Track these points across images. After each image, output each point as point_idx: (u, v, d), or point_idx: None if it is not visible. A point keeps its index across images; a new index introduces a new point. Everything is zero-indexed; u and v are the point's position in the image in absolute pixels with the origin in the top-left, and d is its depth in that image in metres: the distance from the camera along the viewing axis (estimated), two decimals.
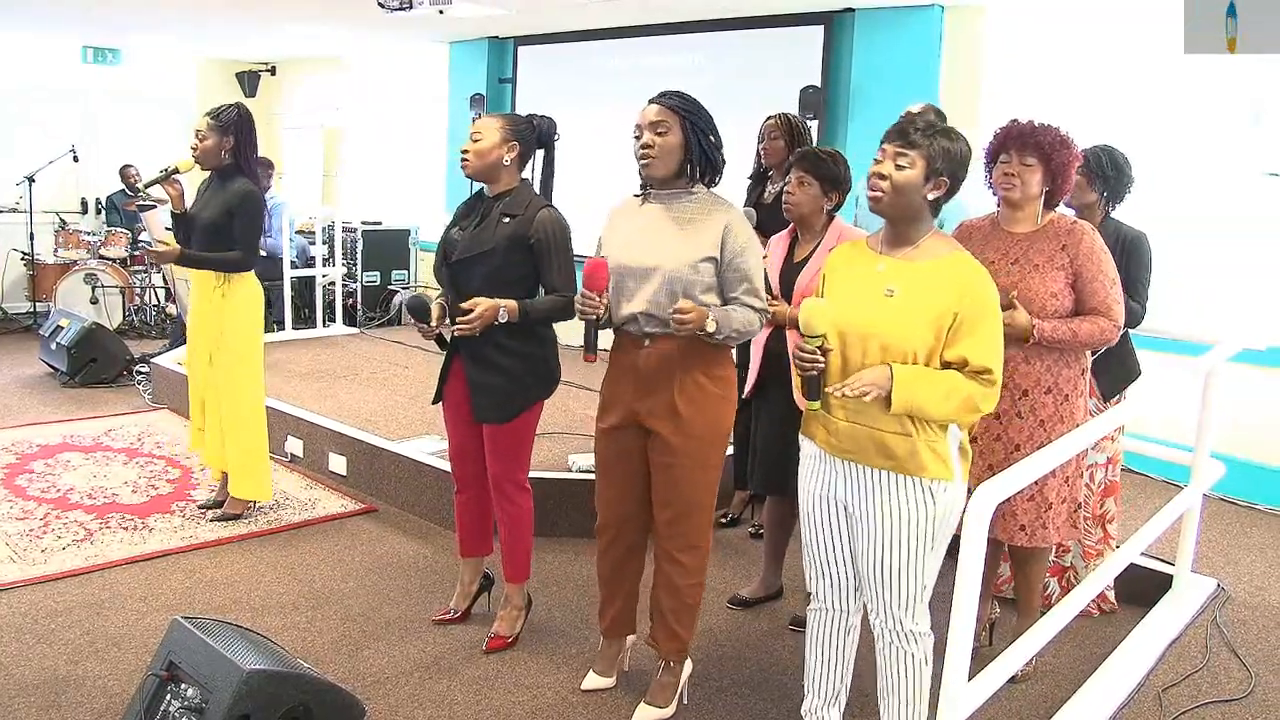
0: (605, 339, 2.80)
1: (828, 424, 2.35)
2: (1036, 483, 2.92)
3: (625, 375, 2.78)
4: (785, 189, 3.25)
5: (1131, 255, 3.32)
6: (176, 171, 4.02)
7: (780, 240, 3.39)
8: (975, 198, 3.02)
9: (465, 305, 2.90)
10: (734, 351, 4.12)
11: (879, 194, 2.28)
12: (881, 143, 2.32)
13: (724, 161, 2.75)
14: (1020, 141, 2.85)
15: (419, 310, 3.06)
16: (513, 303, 2.92)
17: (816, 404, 2.33)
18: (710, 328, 2.59)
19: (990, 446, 2.95)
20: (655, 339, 2.70)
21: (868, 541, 2.33)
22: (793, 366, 2.35)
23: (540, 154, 3.13)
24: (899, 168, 2.26)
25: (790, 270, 3.29)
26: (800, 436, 2.48)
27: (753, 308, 2.67)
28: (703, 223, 2.66)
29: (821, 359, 2.27)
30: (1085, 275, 2.86)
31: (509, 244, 2.96)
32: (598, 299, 2.63)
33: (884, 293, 2.28)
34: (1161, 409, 4.29)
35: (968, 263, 2.29)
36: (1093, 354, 3.38)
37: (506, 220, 2.98)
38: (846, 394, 2.19)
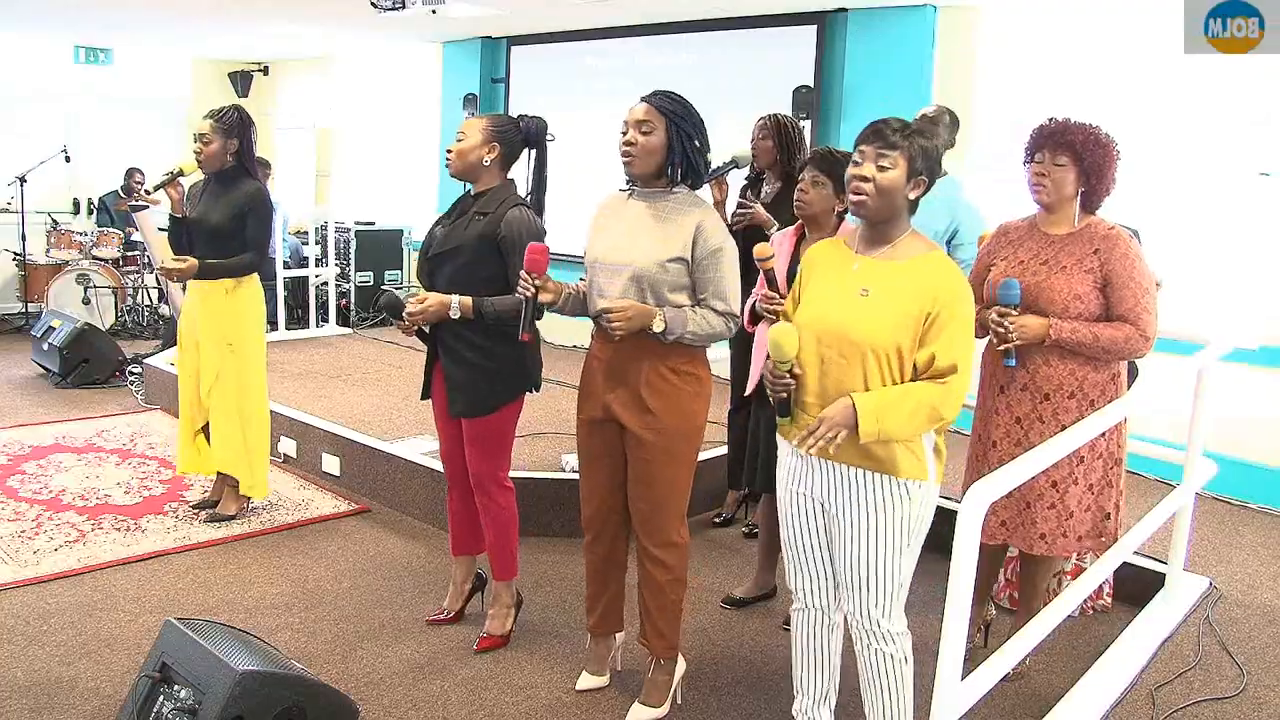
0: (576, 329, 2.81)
1: (805, 426, 2.35)
2: (1058, 490, 2.88)
3: (597, 367, 2.81)
4: (798, 188, 3.21)
5: None
6: (181, 174, 4.02)
7: (786, 238, 3.32)
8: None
9: (414, 300, 3.01)
10: (730, 350, 4.17)
11: (863, 197, 2.26)
12: (857, 144, 2.30)
13: (708, 166, 2.76)
14: (1052, 141, 2.78)
15: (393, 308, 3.15)
16: (467, 299, 2.97)
17: (788, 419, 2.39)
18: (658, 327, 2.60)
19: (1012, 452, 2.85)
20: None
21: (844, 539, 2.34)
22: (767, 387, 2.37)
23: (532, 155, 3.15)
24: (881, 169, 2.24)
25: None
26: (777, 436, 2.51)
27: (715, 311, 2.66)
28: (676, 223, 2.66)
29: (792, 382, 2.30)
30: (1116, 281, 2.77)
31: (479, 242, 3.00)
32: (530, 281, 2.66)
33: (858, 293, 2.29)
34: (1154, 408, 4.29)
35: (941, 261, 2.29)
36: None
37: (479, 219, 3.03)
38: (814, 451, 2.21)
